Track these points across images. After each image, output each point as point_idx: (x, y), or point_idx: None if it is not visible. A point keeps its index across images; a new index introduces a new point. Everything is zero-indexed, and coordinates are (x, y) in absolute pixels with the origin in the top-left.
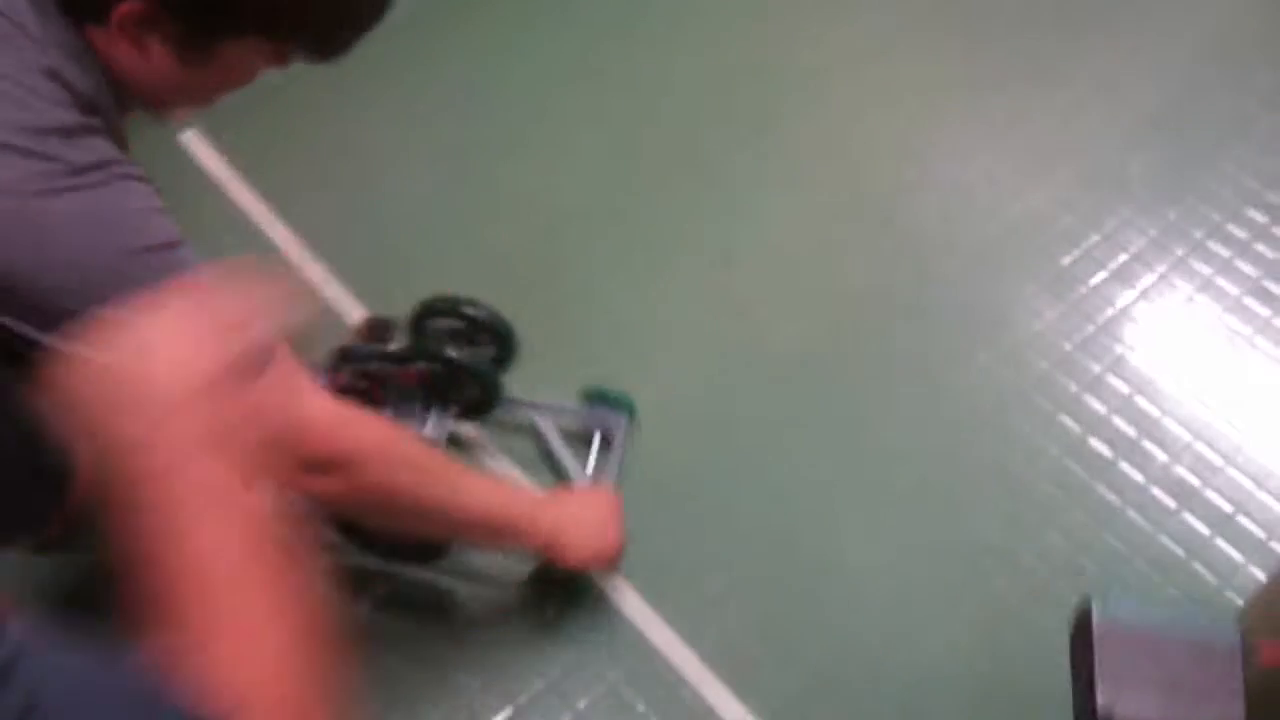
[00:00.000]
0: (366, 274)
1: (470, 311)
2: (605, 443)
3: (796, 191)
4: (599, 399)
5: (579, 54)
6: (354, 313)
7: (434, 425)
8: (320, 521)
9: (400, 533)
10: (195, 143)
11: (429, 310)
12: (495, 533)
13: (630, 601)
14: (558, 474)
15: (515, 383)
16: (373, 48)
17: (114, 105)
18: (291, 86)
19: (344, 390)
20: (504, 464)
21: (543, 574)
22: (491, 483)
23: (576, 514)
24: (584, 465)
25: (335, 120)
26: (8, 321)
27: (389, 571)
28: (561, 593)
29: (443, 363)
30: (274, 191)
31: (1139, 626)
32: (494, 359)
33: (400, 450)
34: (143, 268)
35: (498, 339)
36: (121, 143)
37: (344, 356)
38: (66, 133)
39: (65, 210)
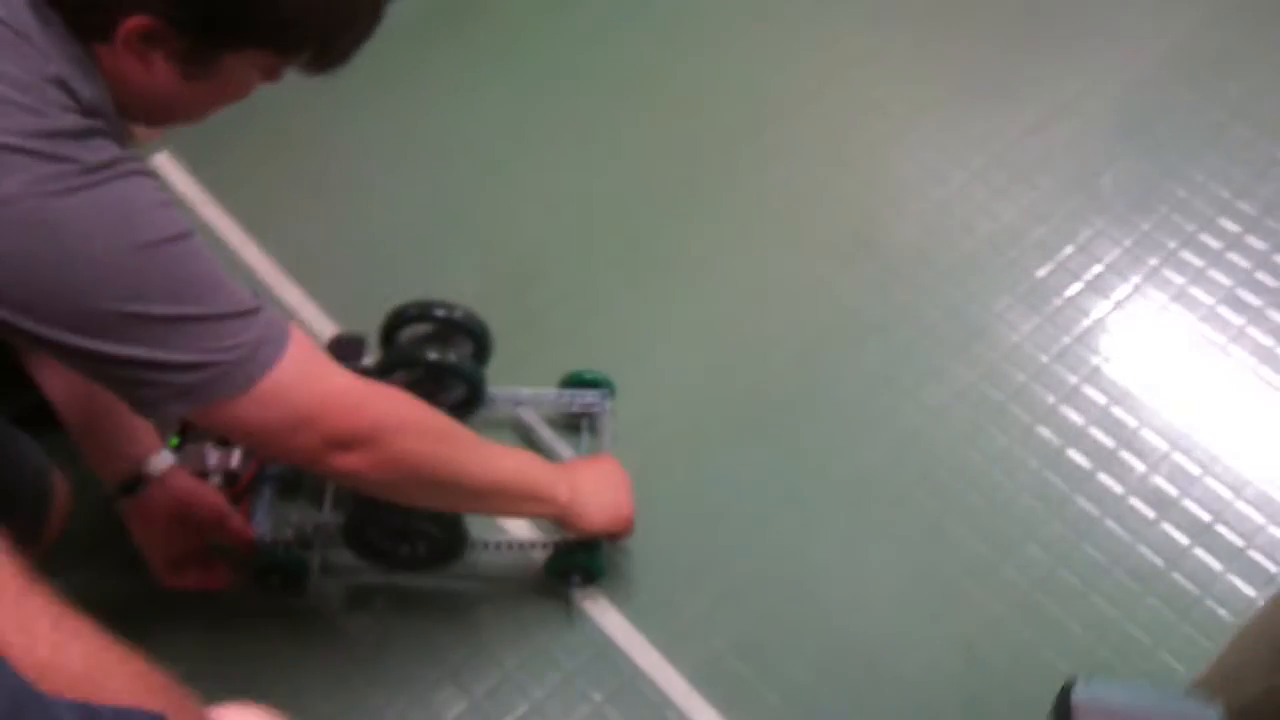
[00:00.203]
0: (343, 295)
1: (442, 313)
2: (591, 424)
3: (771, 208)
4: (579, 383)
5: (556, 76)
6: (330, 332)
7: None
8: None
9: (424, 509)
10: (168, 165)
11: (400, 318)
12: (517, 499)
13: (614, 622)
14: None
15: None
16: (347, 67)
17: (116, 116)
18: (265, 108)
19: None
20: None
21: (556, 565)
22: (511, 450)
23: (591, 482)
24: (575, 449)
25: (310, 140)
26: (6, 315)
27: (398, 583)
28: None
29: (425, 367)
30: (248, 212)
31: (1119, 708)
32: (472, 356)
33: (422, 421)
34: (158, 260)
35: (473, 336)
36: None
37: None
38: (76, 135)
39: (81, 207)
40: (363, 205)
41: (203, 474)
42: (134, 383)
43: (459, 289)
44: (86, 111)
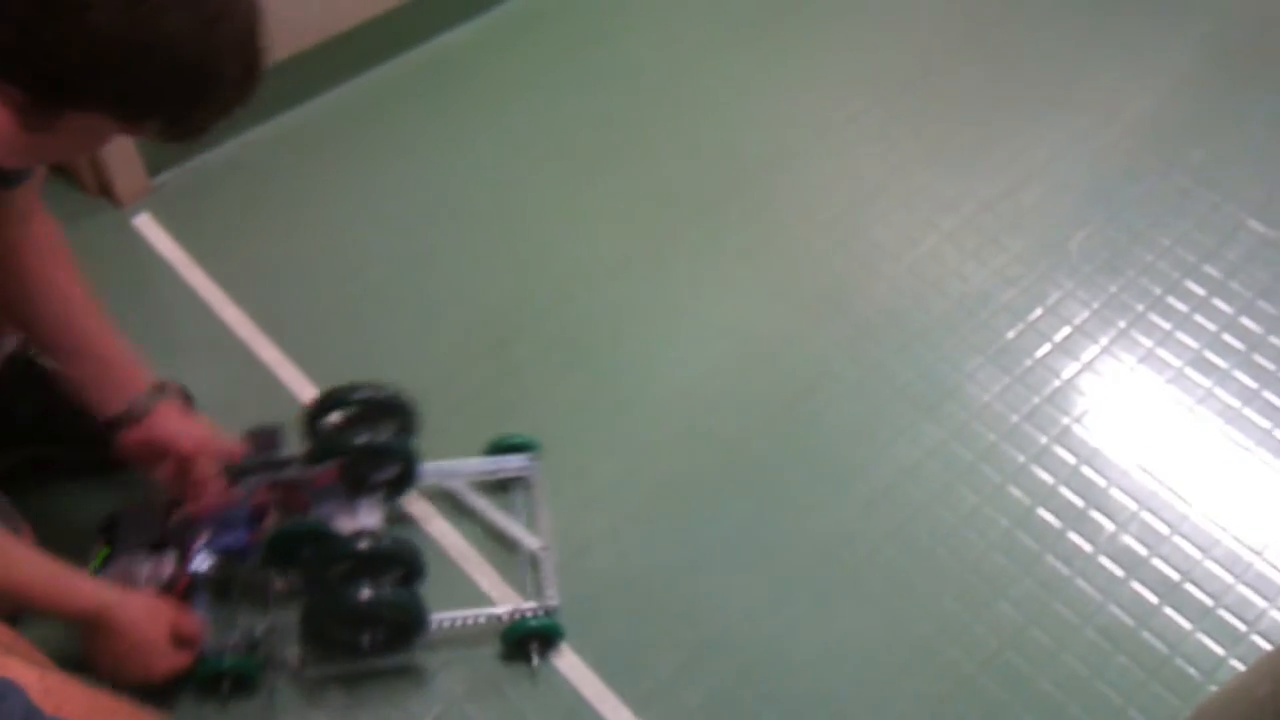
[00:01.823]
0: (320, 355)
1: (364, 395)
2: (524, 487)
3: (746, 268)
4: (503, 448)
5: (536, 137)
6: (307, 393)
7: (368, 512)
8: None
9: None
10: (148, 226)
11: (323, 406)
12: (44, 607)
13: (585, 679)
14: (486, 527)
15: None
16: (324, 131)
17: None
18: (245, 169)
19: (268, 505)
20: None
21: (513, 634)
22: (40, 557)
23: (124, 625)
24: (509, 510)
25: (290, 201)
26: None
27: (359, 669)
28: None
29: (355, 452)
30: (226, 274)
31: None
32: (399, 432)
33: None
34: None
35: (399, 413)
36: None
37: (238, 473)
38: None
39: None
40: (341, 265)
41: (134, 585)
42: None
43: (436, 347)
44: None
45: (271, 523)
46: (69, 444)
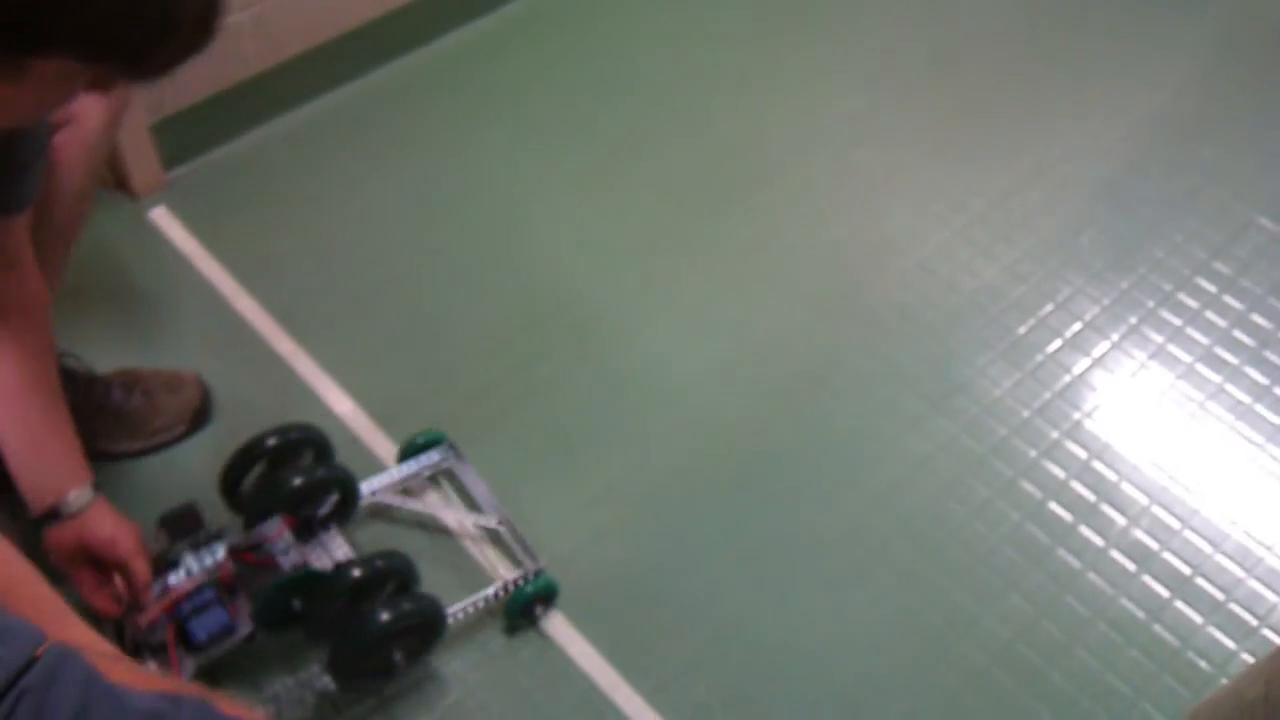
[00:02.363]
0: (334, 347)
1: (274, 442)
2: (451, 479)
3: (751, 266)
4: (418, 450)
5: (548, 135)
6: (322, 385)
7: (334, 545)
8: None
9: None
10: (164, 218)
11: (238, 468)
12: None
13: (599, 669)
14: (432, 527)
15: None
16: (337, 126)
17: None
18: (259, 165)
19: (232, 577)
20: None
21: (515, 605)
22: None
23: None
24: (450, 505)
25: (305, 195)
26: None
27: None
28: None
29: (296, 495)
30: (241, 267)
31: None
32: (317, 461)
33: None
34: None
35: (311, 444)
36: None
37: (171, 563)
38: None
39: None
40: (353, 259)
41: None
42: None
43: (446, 341)
44: None
45: (243, 591)
46: None
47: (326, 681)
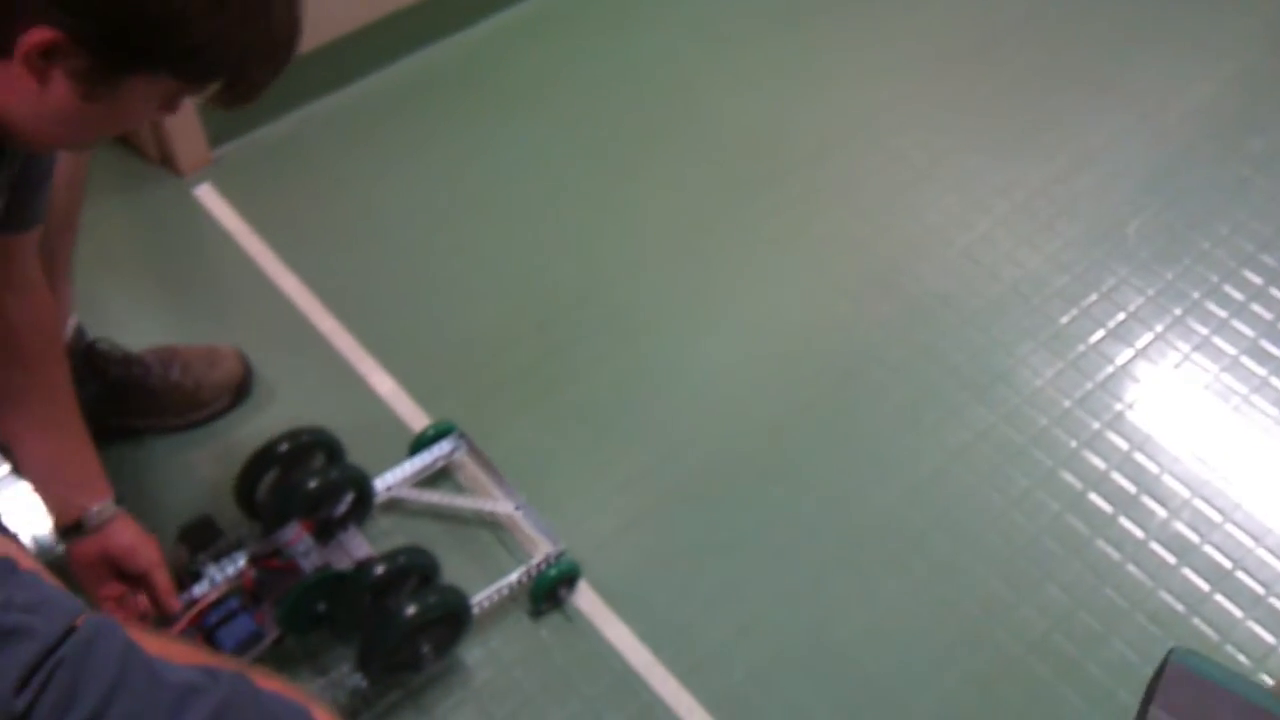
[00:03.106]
0: (375, 326)
1: (286, 447)
2: (459, 468)
3: (788, 255)
4: (428, 441)
5: (585, 122)
6: (364, 364)
7: (354, 544)
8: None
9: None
10: (209, 195)
11: (251, 475)
12: None
13: (633, 650)
14: (451, 517)
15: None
16: (379, 109)
17: None
18: (302, 145)
19: (254, 583)
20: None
21: (539, 589)
22: None
23: None
24: (463, 494)
25: (350, 182)
26: None
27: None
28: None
29: (312, 498)
30: (285, 245)
31: (1209, 682)
32: (329, 460)
33: None
34: None
35: (322, 446)
36: None
37: (195, 574)
38: None
39: None
40: (394, 241)
41: None
42: None
43: (482, 325)
44: None
45: (267, 597)
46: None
47: (358, 679)
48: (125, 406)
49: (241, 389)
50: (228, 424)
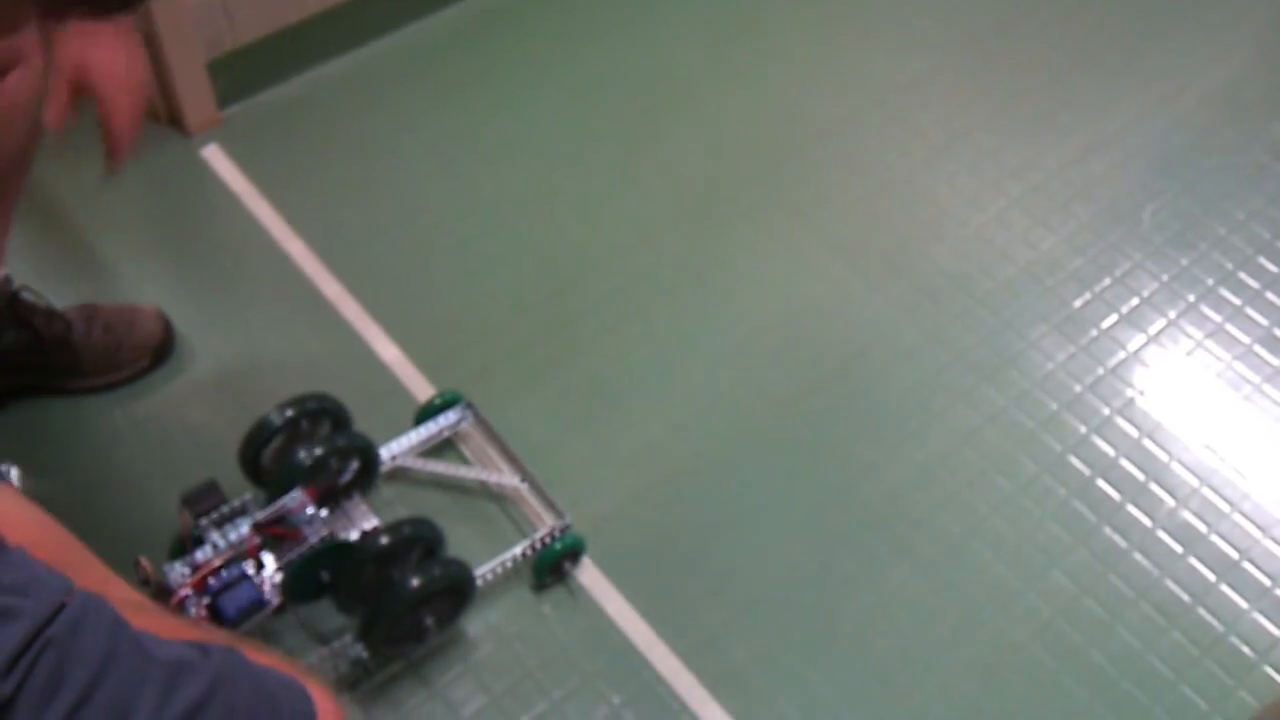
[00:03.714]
0: (382, 292)
1: (291, 414)
2: (464, 442)
3: (801, 231)
4: (435, 411)
5: (603, 90)
6: (369, 330)
7: (359, 515)
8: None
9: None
10: (216, 156)
11: (257, 441)
12: None
13: (634, 626)
14: (455, 488)
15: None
16: (390, 71)
17: None
18: (312, 106)
19: (258, 549)
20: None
21: (543, 563)
22: None
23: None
24: (469, 465)
25: (357, 144)
26: None
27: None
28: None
29: (318, 464)
30: (292, 208)
31: None
32: (335, 427)
33: None
34: None
35: (328, 414)
36: None
37: (197, 539)
38: None
39: None
40: (403, 206)
41: None
42: None
43: (492, 293)
44: None
45: (271, 562)
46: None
47: (359, 650)
48: (46, 361)
49: (161, 350)
50: (220, 383)
